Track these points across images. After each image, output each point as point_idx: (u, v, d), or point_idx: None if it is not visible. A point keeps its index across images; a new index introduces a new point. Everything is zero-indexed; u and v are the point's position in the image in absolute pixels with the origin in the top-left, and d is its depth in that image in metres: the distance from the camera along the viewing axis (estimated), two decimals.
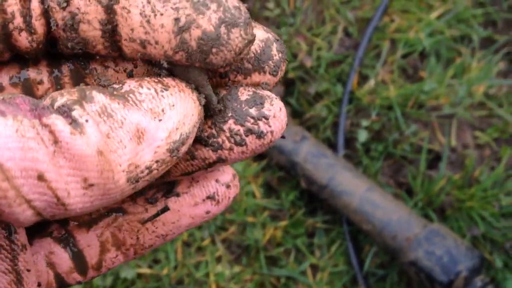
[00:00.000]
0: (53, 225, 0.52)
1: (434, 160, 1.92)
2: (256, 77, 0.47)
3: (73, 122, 0.36)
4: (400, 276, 1.79)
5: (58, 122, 0.35)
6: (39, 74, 0.48)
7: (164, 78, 0.43)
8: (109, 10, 0.42)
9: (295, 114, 2.02)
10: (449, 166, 1.90)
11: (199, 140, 0.46)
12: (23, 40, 0.44)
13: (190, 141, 0.43)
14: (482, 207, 1.77)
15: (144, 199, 0.51)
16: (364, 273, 1.80)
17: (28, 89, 0.48)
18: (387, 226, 1.68)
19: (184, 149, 0.42)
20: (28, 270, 0.46)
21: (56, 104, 0.37)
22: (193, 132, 0.43)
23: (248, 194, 1.90)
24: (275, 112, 0.45)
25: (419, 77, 2.02)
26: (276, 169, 1.94)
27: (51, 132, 0.35)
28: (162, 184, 0.51)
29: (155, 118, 0.40)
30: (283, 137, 0.48)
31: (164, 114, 0.40)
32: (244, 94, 0.46)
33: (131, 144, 0.38)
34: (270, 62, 0.47)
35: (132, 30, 0.42)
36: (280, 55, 0.47)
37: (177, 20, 0.40)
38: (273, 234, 1.87)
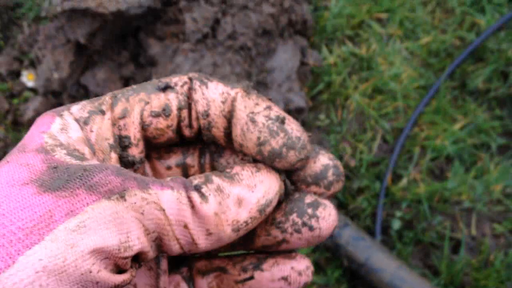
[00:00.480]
0: (183, 268, 0.65)
1: (456, 245, 2.26)
2: (313, 188, 0.60)
3: (202, 195, 0.51)
4: None
5: (195, 195, 0.50)
6: (193, 161, 0.65)
7: (258, 163, 0.57)
8: (229, 122, 0.58)
9: (340, 206, 2.42)
10: (469, 251, 2.23)
11: (274, 224, 0.60)
12: (186, 132, 0.60)
13: (273, 205, 0.56)
14: (496, 287, 2.09)
15: (240, 267, 0.63)
16: None
17: (185, 169, 0.65)
18: None
19: (269, 210, 0.56)
20: None
21: (193, 183, 0.52)
22: (275, 199, 0.57)
23: None
24: (325, 215, 0.58)
25: (445, 177, 2.40)
26: (324, 250, 2.32)
27: (190, 200, 0.50)
28: (255, 258, 0.63)
29: (250, 190, 0.54)
30: (331, 236, 0.65)
31: (255, 187, 0.54)
32: (308, 198, 0.59)
33: (234, 208, 0.52)
34: (325, 180, 0.59)
35: (236, 136, 0.57)
36: (334, 177, 0.59)
37: (259, 138, 0.55)
38: None
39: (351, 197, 2.39)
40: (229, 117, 0.57)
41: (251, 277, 0.62)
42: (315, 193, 0.60)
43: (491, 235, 2.26)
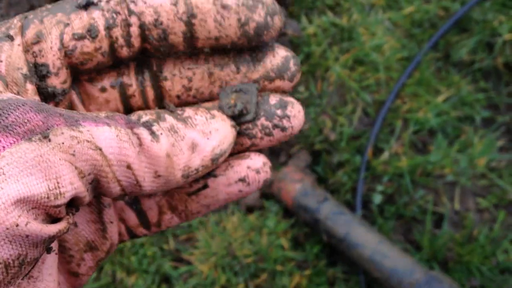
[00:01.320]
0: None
1: (439, 220, 2.20)
2: (277, 83, 0.59)
3: (152, 133, 0.49)
4: None
5: (144, 132, 0.49)
6: (130, 80, 0.60)
7: (212, 111, 0.56)
8: (189, 24, 0.54)
9: (320, 180, 2.34)
10: (452, 225, 2.17)
11: (240, 133, 0.59)
12: (124, 52, 0.55)
13: (226, 155, 0.56)
14: (481, 262, 2.02)
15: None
16: None
17: (122, 89, 0.60)
18: (394, 273, 1.94)
19: (221, 159, 0.56)
20: (111, 222, 0.60)
21: (142, 120, 0.51)
22: (229, 150, 0.56)
23: (277, 247, 2.19)
24: (295, 113, 0.58)
25: (428, 150, 2.33)
26: (302, 225, 2.24)
27: (139, 138, 0.48)
28: None
29: (205, 137, 0.53)
30: (300, 131, 0.64)
31: (211, 135, 0.54)
32: (273, 99, 0.58)
33: (187, 152, 0.52)
34: (288, 72, 0.59)
35: (209, 32, 0.54)
36: (295, 67, 0.59)
37: (239, 19, 0.53)
38: (299, 282, 2.15)
39: (331, 171, 2.31)
40: (187, 18, 0.53)
41: (205, 186, 0.60)
42: (277, 88, 0.60)
43: (475, 210, 2.20)
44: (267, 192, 2.31)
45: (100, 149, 0.44)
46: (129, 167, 0.47)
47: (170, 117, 0.52)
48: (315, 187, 2.20)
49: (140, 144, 0.48)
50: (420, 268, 1.94)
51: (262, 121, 0.58)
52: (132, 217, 0.62)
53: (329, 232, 2.11)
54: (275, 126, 0.58)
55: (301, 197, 2.18)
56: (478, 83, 2.47)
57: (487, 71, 2.49)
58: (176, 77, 0.59)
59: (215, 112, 0.56)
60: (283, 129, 0.58)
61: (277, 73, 0.59)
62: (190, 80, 0.60)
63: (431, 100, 2.39)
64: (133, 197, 0.62)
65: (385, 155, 2.30)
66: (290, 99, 0.59)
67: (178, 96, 0.60)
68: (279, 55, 0.59)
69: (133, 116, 0.51)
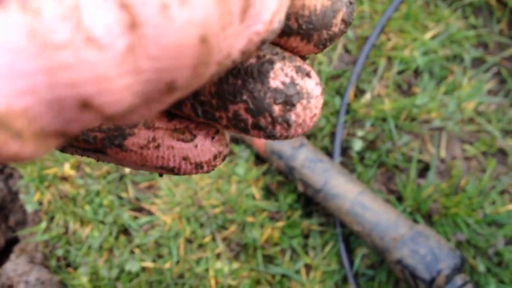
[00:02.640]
0: None
1: (424, 169, 2.03)
2: (294, 42, 0.34)
3: None
4: (388, 276, 1.89)
5: None
6: None
7: None
8: None
9: None
10: (438, 175, 2.01)
11: (191, 100, 0.35)
12: None
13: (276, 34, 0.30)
14: (467, 214, 1.88)
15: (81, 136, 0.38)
16: (354, 273, 1.90)
17: None
18: (376, 227, 1.78)
19: (268, 42, 0.29)
20: None
21: None
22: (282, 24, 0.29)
23: (248, 196, 2.01)
24: (304, 119, 0.33)
25: (413, 92, 2.14)
26: (275, 173, 2.05)
27: (125, 7, 0.20)
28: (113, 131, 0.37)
29: None
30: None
31: None
32: (278, 77, 0.32)
33: (237, 22, 0.25)
34: (324, 32, 0.34)
35: None
36: (342, 26, 0.35)
37: None
38: (271, 234, 1.98)
39: None
40: None
41: (100, 151, 0.37)
42: (288, 47, 0.34)
43: (462, 158, 2.03)
44: (237, 136, 2.10)
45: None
46: (86, 105, 0.22)
47: None
48: None
49: (133, 26, 0.21)
50: (405, 222, 1.78)
51: (239, 109, 0.33)
52: None
53: (305, 181, 1.92)
54: (259, 127, 0.34)
55: (274, 142, 1.98)
56: (468, 19, 2.27)
57: (478, 6, 2.28)
58: None
59: None
60: (270, 135, 0.34)
61: (303, 26, 0.33)
62: None
63: (418, 37, 2.19)
64: None
65: (367, 97, 2.10)
66: (310, 85, 0.33)
67: None
68: None
69: None
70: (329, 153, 2.07)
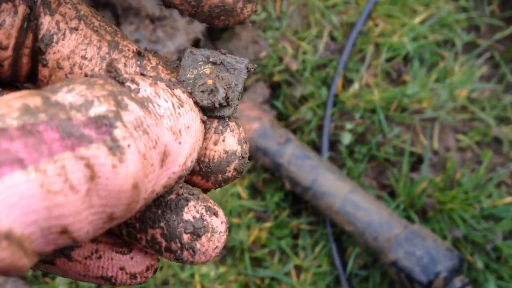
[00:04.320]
0: None
1: (417, 162, 1.94)
2: (196, 179, 0.44)
3: (114, 145, 0.30)
4: (383, 277, 1.81)
5: (100, 154, 0.29)
6: (7, 40, 0.43)
7: (175, 90, 0.38)
8: None
9: (280, 117, 2.03)
10: (431, 168, 1.92)
11: (119, 225, 0.42)
12: None
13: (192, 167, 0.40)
14: (463, 209, 1.79)
15: None
16: (347, 274, 1.82)
17: None
18: (369, 227, 1.69)
19: (185, 175, 0.39)
20: None
21: (93, 112, 0.30)
22: (196, 158, 0.40)
23: (233, 196, 1.91)
24: (207, 249, 0.41)
25: (403, 80, 2.04)
26: (261, 171, 1.95)
27: (89, 166, 0.29)
28: None
29: (176, 140, 0.35)
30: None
31: (181, 137, 0.36)
32: (190, 212, 0.41)
33: (158, 169, 0.34)
34: (220, 175, 0.43)
35: None
36: (235, 173, 0.44)
37: None
38: (258, 235, 1.88)
39: (293, 106, 2.00)
40: None
41: (50, 262, 0.43)
42: (190, 182, 0.44)
43: (456, 149, 1.94)
44: None
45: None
46: (64, 231, 0.29)
47: (132, 102, 0.33)
48: (275, 126, 1.89)
49: (92, 177, 0.30)
50: (399, 221, 1.69)
51: (156, 233, 0.41)
52: None
53: (293, 179, 1.83)
54: (170, 250, 0.41)
55: (259, 138, 1.87)
56: (458, 1, 2.16)
57: None
58: (62, 72, 0.44)
59: (180, 93, 0.38)
60: (179, 258, 0.41)
61: (203, 169, 0.44)
62: None
63: (407, 22, 2.08)
64: None
65: (355, 87, 2.00)
66: (215, 222, 0.41)
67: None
68: (223, 146, 0.43)
69: (68, 96, 0.31)
70: (316, 148, 1.97)
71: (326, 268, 1.85)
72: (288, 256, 1.88)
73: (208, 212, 0.41)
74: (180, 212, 0.40)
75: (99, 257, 0.43)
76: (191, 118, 0.38)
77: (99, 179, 0.29)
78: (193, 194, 0.42)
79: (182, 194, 0.41)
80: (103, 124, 0.30)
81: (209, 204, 0.41)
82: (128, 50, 0.45)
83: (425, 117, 1.95)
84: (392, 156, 1.92)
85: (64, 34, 0.44)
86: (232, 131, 0.43)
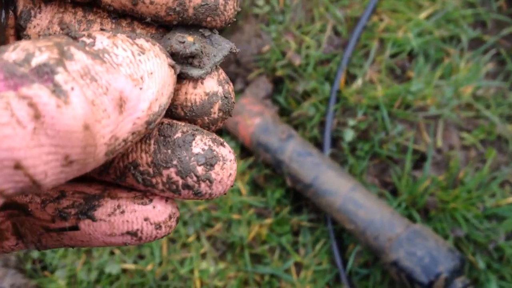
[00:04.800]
0: None
1: (420, 160, 1.92)
2: (184, 127, 0.45)
3: (57, 89, 0.31)
4: (383, 275, 1.79)
5: (42, 94, 0.31)
6: None
7: (137, 39, 0.39)
8: None
9: (282, 112, 2.01)
10: (434, 167, 1.89)
11: (132, 172, 0.43)
12: None
13: (164, 113, 0.40)
14: (466, 209, 1.77)
15: (55, 208, 0.45)
16: (348, 272, 1.80)
17: None
18: (370, 226, 1.68)
19: (158, 121, 0.40)
20: None
21: (35, 61, 0.32)
22: (168, 104, 0.40)
23: (234, 192, 1.90)
24: (223, 177, 0.43)
25: (407, 77, 2.01)
26: (262, 167, 1.93)
27: (32, 105, 0.30)
28: (81, 198, 0.45)
29: (136, 86, 0.36)
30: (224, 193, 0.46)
31: (143, 83, 0.37)
32: (198, 146, 0.43)
33: (114, 114, 0.35)
34: (206, 118, 0.45)
35: None
36: (220, 114, 0.45)
37: None
38: (258, 232, 1.87)
39: (295, 102, 1.98)
40: None
41: (73, 228, 0.44)
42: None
43: (460, 147, 1.92)
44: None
45: None
46: (18, 166, 0.30)
47: (80, 52, 0.34)
48: (277, 122, 1.87)
49: (37, 116, 0.30)
50: (401, 220, 1.67)
51: (171, 172, 0.42)
52: None
53: (294, 176, 1.81)
54: (187, 186, 0.42)
55: (260, 133, 1.85)
56: None
57: None
58: None
59: (143, 41, 0.39)
60: (197, 193, 0.43)
61: (187, 114, 0.45)
62: None
63: (412, 17, 2.05)
64: None
65: (358, 83, 1.97)
66: (224, 152, 0.43)
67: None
68: (203, 88, 0.45)
69: (13, 54, 0.32)
70: (318, 144, 1.95)
71: (327, 266, 1.84)
72: (288, 253, 1.87)
73: (215, 143, 0.43)
74: (189, 147, 0.42)
75: (122, 212, 0.43)
76: (156, 64, 0.38)
77: (44, 118, 0.30)
78: (197, 130, 0.43)
79: (187, 131, 0.43)
80: (44, 72, 0.31)
81: (214, 137, 0.43)
82: (103, 11, 0.47)
83: (429, 114, 1.93)
84: (395, 154, 1.89)
85: (39, 7, 0.45)
86: (211, 76, 0.45)
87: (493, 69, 2.04)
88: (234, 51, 0.46)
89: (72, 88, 0.32)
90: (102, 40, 0.37)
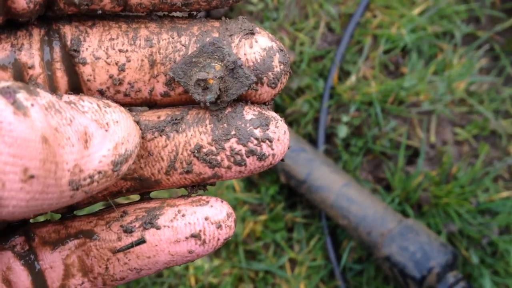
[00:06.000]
0: (17, 238, 0.46)
1: (413, 156, 1.92)
2: (251, 92, 0.46)
3: (16, 103, 0.32)
4: (377, 271, 1.80)
5: None
6: (30, 57, 0.44)
7: (104, 99, 0.42)
8: None
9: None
10: (427, 162, 1.90)
11: (196, 156, 0.46)
12: (20, 1, 0.40)
13: (131, 161, 0.41)
14: (459, 204, 1.78)
15: (120, 226, 0.46)
16: (342, 268, 1.81)
17: (18, 72, 0.44)
18: (363, 222, 1.68)
19: (125, 167, 0.40)
20: None
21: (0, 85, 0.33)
22: (135, 153, 0.41)
23: (228, 188, 1.90)
24: (280, 135, 0.45)
25: (400, 73, 2.02)
26: None
27: None
28: (143, 211, 0.47)
29: (101, 128, 0.38)
30: (282, 160, 0.47)
31: (109, 127, 0.39)
32: (249, 113, 0.45)
33: (78, 145, 0.36)
34: (270, 73, 0.45)
35: None
36: (281, 66, 0.45)
37: None
38: (253, 228, 1.88)
39: (289, 98, 1.98)
40: None
41: (140, 241, 0.45)
42: (252, 97, 0.47)
43: (453, 142, 1.92)
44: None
45: None
46: None
47: (47, 93, 0.36)
48: None
49: None
50: (393, 216, 1.67)
51: (232, 143, 0.45)
52: (22, 278, 0.44)
53: (288, 172, 1.81)
54: (251, 152, 0.45)
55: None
56: None
57: None
58: (101, 61, 0.45)
59: (110, 102, 0.42)
60: (261, 157, 0.45)
61: (254, 72, 0.45)
62: (122, 68, 0.45)
63: (406, 13, 2.05)
64: (29, 249, 0.45)
65: (352, 80, 1.98)
66: (273, 114, 0.46)
67: (101, 92, 0.46)
68: (259, 45, 0.45)
69: None
70: (312, 140, 1.95)
71: (321, 262, 1.85)
72: (282, 249, 1.88)
73: (263, 108, 0.46)
74: (241, 116, 0.45)
75: (183, 215, 0.45)
76: (121, 116, 0.41)
77: (2, 124, 0.30)
78: (244, 102, 0.47)
79: (235, 105, 0.46)
80: (6, 92, 0.32)
81: (259, 104, 0.47)
82: (143, 17, 0.49)
83: (422, 110, 1.93)
84: (388, 150, 1.90)
85: (86, 32, 0.46)
86: (259, 33, 0.46)
87: (486, 64, 2.04)
88: (254, 88, 0.47)
89: (32, 105, 0.32)
90: (69, 96, 0.39)
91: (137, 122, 0.43)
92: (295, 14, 2.08)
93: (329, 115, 1.95)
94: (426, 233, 1.61)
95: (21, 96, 0.32)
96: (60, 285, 0.46)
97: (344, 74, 2.02)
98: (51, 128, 0.33)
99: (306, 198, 1.83)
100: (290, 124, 1.98)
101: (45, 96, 0.35)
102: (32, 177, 0.31)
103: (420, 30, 2.05)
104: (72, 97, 0.39)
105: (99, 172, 0.37)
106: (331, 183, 1.75)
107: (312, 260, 1.86)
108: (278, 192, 1.92)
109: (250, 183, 1.94)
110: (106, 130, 0.38)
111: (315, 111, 1.96)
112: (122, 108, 0.42)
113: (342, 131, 1.92)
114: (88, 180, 0.36)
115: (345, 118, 1.93)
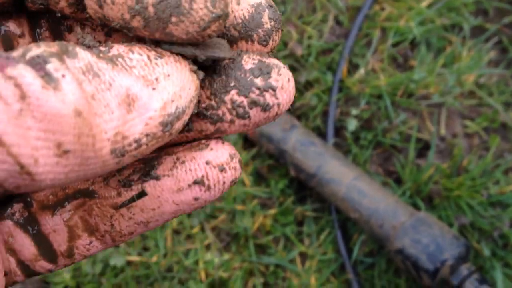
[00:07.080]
0: (15, 206, 0.45)
1: (423, 149, 1.91)
2: (242, 46, 0.43)
3: (46, 76, 0.30)
4: (388, 264, 1.79)
5: (27, 74, 0.29)
6: (20, 27, 0.42)
7: (158, 49, 0.38)
8: None
9: None
10: (438, 155, 1.89)
11: (197, 112, 0.42)
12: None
13: (186, 118, 0.38)
14: (470, 196, 1.77)
15: (117, 180, 0.44)
16: (353, 261, 1.80)
17: (8, 41, 0.42)
18: (374, 215, 1.68)
19: (178, 125, 0.37)
20: None
21: (29, 55, 0.31)
22: (190, 108, 0.38)
23: (237, 183, 1.89)
24: (283, 83, 0.41)
25: (409, 65, 2.01)
26: (265, 157, 1.93)
27: (17, 85, 0.29)
28: (140, 163, 0.45)
29: (148, 86, 0.35)
30: (289, 110, 0.45)
31: (158, 84, 0.35)
32: (248, 62, 0.42)
33: (119, 111, 0.33)
34: (260, 30, 0.43)
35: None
36: (272, 23, 0.43)
37: None
38: (263, 222, 1.87)
39: (298, 92, 1.97)
40: None
41: (141, 194, 0.43)
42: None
43: (463, 135, 1.92)
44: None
45: None
46: (3, 144, 0.28)
47: (86, 52, 0.33)
48: None
49: (23, 97, 0.29)
50: (405, 208, 1.67)
51: (233, 95, 0.41)
52: (26, 246, 0.44)
53: (297, 166, 1.81)
54: (253, 103, 0.41)
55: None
56: None
57: None
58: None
59: (163, 50, 0.38)
60: (265, 107, 0.41)
61: (241, 30, 0.43)
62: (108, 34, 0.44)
63: (414, 6, 2.04)
64: (29, 215, 0.45)
65: (361, 73, 1.97)
66: (274, 61, 0.42)
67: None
68: (247, 1, 0.43)
69: (15, 52, 0.31)
70: (321, 134, 1.94)
71: (331, 255, 1.84)
72: (293, 243, 1.87)
73: (263, 56, 0.42)
74: (240, 65, 0.41)
75: (183, 162, 0.42)
76: (174, 68, 0.37)
77: (30, 98, 0.29)
78: (241, 51, 0.43)
79: (233, 55, 0.42)
80: (36, 63, 0.30)
81: (258, 52, 0.43)
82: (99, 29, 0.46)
83: (432, 102, 1.92)
84: (399, 143, 1.89)
85: None
86: None
87: (495, 57, 2.04)
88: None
89: (63, 76, 0.31)
90: (118, 48, 0.36)
91: (194, 72, 0.39)
92: (302, 7, 2.07)
93: (338, 109, 1.95)
94: (439, 226, 1.61)
95: (52, 66, 0.30)
96: (67, 247, 0.45)
97: (352, 67, 2.01)
98: (86, 97, 0.31)
99: (316, 191, 1.82)
100: (298, 117, 1.97)
101: (83, 58, 0.32)
102: (67, 151, 0.30)
103: (428, 22, 2.04)
104: (122, 49, 0.36)
105: (147, 135, 0.35)
106: (342, 176, 1.74)
107: (323, 254, 1.85)
108: (288, 186, 1.91)
109: (260, 177, 1.94)
110: (154, 88, 0.35)
111: (324, 105, 1.95)
112: (177, 57, 0.38)
113: (352, 124, 1.91)
114: (135, 145, 0.34)
115: (354, 111, 1.92)
